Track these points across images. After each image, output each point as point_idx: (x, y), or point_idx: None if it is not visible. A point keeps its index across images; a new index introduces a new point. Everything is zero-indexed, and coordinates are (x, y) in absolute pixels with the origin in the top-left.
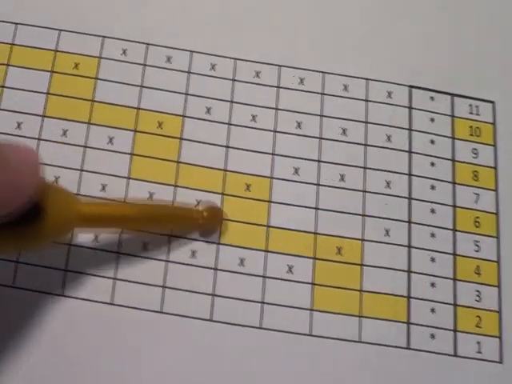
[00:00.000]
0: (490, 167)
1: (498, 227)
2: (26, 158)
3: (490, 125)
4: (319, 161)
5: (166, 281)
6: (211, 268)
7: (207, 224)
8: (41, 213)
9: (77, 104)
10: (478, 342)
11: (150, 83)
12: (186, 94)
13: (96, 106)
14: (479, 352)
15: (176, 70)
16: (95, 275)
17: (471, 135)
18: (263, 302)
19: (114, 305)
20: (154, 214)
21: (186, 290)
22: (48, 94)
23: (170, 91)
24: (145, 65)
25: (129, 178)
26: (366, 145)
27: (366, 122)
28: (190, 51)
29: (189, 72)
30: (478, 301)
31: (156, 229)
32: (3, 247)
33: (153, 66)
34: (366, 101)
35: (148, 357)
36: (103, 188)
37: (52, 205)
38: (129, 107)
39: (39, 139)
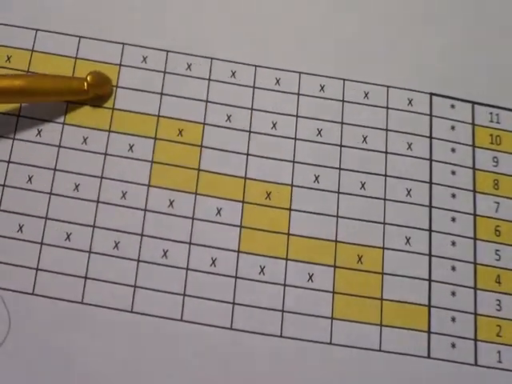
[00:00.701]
0: (511, 176)
1: None
2: None
3: (510, 133)
4: (340, 168)
5: (185, 289)
6: (232, 276)
7: (94, 89)
8: None
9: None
10: (499, 352)
11: (171, 90)
12: (207, 102)
13: (116, 114)
14: (500, 361)
15: (196, 78)
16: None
17: (492, 143)
18: (284, 311)
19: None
20: (33, 86)
21: (206, 299)
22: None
23: (191, 98)
24: (165, 72)
25: (149, 185)
26: (386, 152)
27: (387, 130)
28: (211, 58)
29: (209, 79)
30: (498, 310)
31: (38, 100)
32: None
33: (174, 74)
34: (387, 108)
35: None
36: (123, 195)
37: None
38: (149, 115)
39: (59, 146)
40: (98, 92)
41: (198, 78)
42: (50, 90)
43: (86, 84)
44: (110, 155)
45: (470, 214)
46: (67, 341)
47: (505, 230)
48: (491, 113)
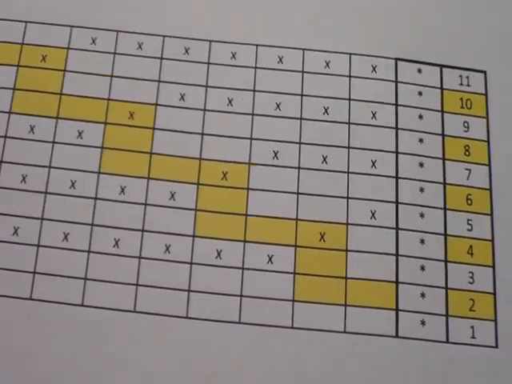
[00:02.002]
0: (483, 141)
1: (491, 204)
2: None
3: (481, 96)
4: (300, 143)
5: (138, 278)
6: (187, 262)
7: None
8: None
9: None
10: (472, 327)
11: (121, 72)
12: (159, 81)
13: (64, 100)
14: (473, 337)
15: (148, 57)
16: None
17: (462, 108)
18: (242, 296)
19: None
20: None
21: (160, 287)
22: (15, 89)
23: (142, 79)
24: (115, 53)
25: (99, 172)
26: (349, 123)
27: (350, 99)
28: (163, 36)
29: (161, 58)
30: (471, 283)
31: None
32: None
33: (124, 54)
34: (349, 77)
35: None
36: (72, 185)
37: None
38: (98, 98)
39: (5, 137)
40: None
41: (150, 57)
42: None
43: None
44: (58, 143)
45: (440, 183)
46: (18, 338)
47: (477, 199)
48: (461, 76)
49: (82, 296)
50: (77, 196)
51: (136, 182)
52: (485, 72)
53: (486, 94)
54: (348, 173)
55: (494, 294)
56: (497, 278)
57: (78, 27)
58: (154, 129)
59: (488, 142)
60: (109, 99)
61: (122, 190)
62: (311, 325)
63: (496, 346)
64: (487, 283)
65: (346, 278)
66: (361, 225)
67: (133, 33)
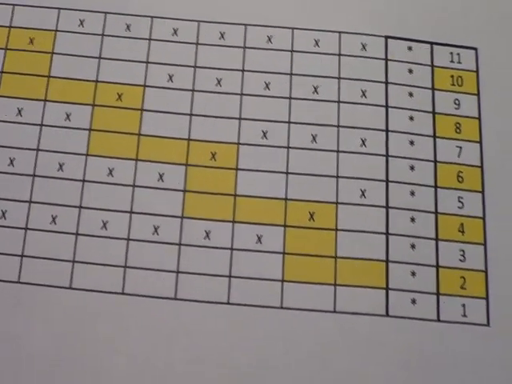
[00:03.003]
0: (474, 118)
1: (482, 181)
2: None
3: (472, 73)
4: (289, 122)
5: (127, 261)
6: (175, 244)
7: None
8: None
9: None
10: (463, 305)
11: (109, 54)
12: (147, 63)
13: (52, 82)
14: (464, 315)
15: (136, 38)
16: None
17: (453, 85)
18: (231, 276)
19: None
20: None
21: (149, 269)
22: (2, 72)
23: (130, 61)
24: (103, 35)
25: (87, 155)
26: (339, 102)
27: (340, 78)
28: (151, 17)
29: (150, 39)
30: (462, 261)
31: None
32: None
33: (112, 36)
34: (339, 55)
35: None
36: (61, 167)
37: None
38: (86, 80)
39: None
40: None
41: (138, 38)
42: None
43: None
44: (46, 126)
45: (430, 160)
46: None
47: (468, 176)
48: (452, 53)
49: (71, 279)
50: (64, 178)
51: (124, 164)
52: (476, 49)
53: (477, 71)
54: (337, 152)
55: (486, 271)
56: (488, 255)
57: (66, 9)
58: (142, 110)
59: (479, 119)
60: (97, 81)
61: (110, 172)
62: (300, 305)
63: (487, 324)
64: (478, 261)
65: (336, 257)
66: (350, 204)
67: (121, 14)
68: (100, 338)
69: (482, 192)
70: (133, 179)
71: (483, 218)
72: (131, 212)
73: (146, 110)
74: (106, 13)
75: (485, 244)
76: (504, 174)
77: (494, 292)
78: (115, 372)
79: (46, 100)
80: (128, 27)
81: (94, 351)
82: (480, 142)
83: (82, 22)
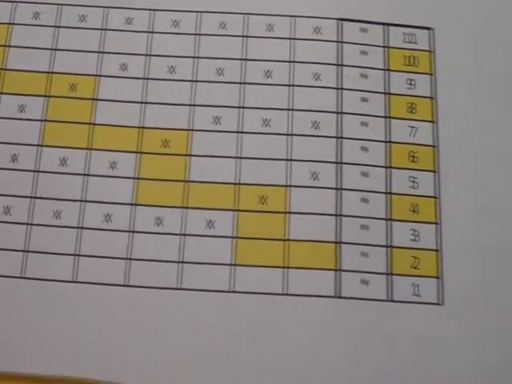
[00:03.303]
0: (428, 98)
1: (436, 160)
2: None
3: (427, 53)
4: (242, 107)
5: (80, 248)
6: (126, 231)
7: None
8: None
9: None
10: (416, 285)
11: (64, 45)
12: (101, 52)
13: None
14: (417, 295)
15: (90, 29)
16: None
17: (407, 65)
18: (182, 262)
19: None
20: None
21: (100, 257)
22: None
23: (84, 51)
24: (59, 26)
25: (41, 145)
26: (291, 85)
27: (293, 62)
28: (104, 7)
29: (103, 29)
30: (414, 240)
31: None
32: None
33: (67, 27)
34: (292, 39)
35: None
36: (13, 159)
37: None
38: (40, 72)
39: None
40: None
41: (92, 29)
42: None
43: None
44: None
45: (384, 141)
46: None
47: (422, 156)
48: (406, 33)
49: (25, 268)
50: (17, 169)
51: (76, 153)
52: (431, 29)
53: (432, 51)
54: (289, 135)
55: (439, 251)
56: (441, 234)
57: (21, 2)
58: (95, 99)
59: (434, 98)
60: (51, 72)
61: (64, 162)
62: (252, 288)
63: (440, 303)
64: (431, 240)
65: (287, 240)
66: (301, 186)
67: (75, 5)
68: (48, 322)
69: (436, 171)
70: (84, 168)
71: (437, 198)
72: (83, 201)
73: (98, 100)
74: (60, 5)
75: (438, 223)
76: (457, 154)
77: (447, 271)
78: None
79: (1, 93)
80: (83, 18)
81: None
82: (434, 122)
83: (37, 15)
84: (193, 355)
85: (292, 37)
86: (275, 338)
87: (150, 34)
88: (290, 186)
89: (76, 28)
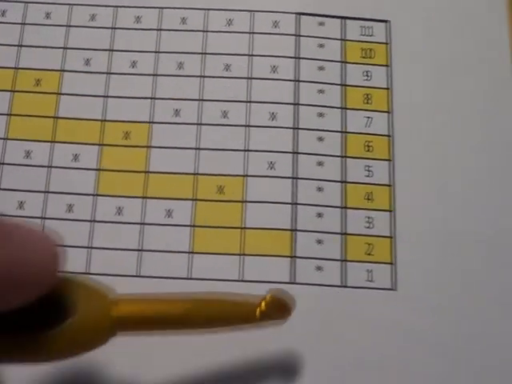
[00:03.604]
0: (384, 88)
1: (391, 150)
2: (38, 240)
3: (384, 45)
4: (202, 100)
5: None
6: (88, 220)
7: (267, 318)
8: (66, 314)
9: None
10: (369, 270)
11: (29, 41)
12: (65, 48)
13: None
14: (370, 280)
15: (55, 26)
16: None
17: (363, 57)
18: (141, 250)
19: None
20: (205, 311)
21: (63, 246)
22: None
23: (49, 47)
24: (24, 24)
25: (6, 139)
26: (249, 78)
27: (251, 55)
28: (69, 4)
29: (68, 26)
30: (369, 227)
31: (207, 329)
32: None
33: (32, 24)
34: (251, 33)
35: None
36: None
37: (82, 306)
38: (6, 68)
39: None
40: (272, 320)
41: (57, 25)
42: (215, 317)
43: (258, 311)
44: None
45: (339, 131)
46: None
47: (377, 145)
48: (363, 26)
49: None
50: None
51: (40, 146)
52: (388, 21)
53: (389, 43)
54: (247, 126)
55: (393, 237)
56: (396, 221)
57: None
58: (59, 94)
59: (390, 89)
60: (16, 68)
61: (27, 155)
62: (208, 275)
63: (394, 289)
64: (385, 227)
65: (243, 228)
66: (258, 176)
67: (41, 3)
68: None
69: (391, 160)
70: (48, 160)
71: (391, 186)
72: (47, 192)
73: (62, 94)
74: (26, 2)
75: (392, 211)
76: (412, 143)
77: (401, 257)
78: None
79: None
80: (48, 15)
81: None
82: (390, 112)
83: (3, 13)
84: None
85: (251, 31)
86: None
87: (113, 30)
88: (248, 175)
89: (41, 25)
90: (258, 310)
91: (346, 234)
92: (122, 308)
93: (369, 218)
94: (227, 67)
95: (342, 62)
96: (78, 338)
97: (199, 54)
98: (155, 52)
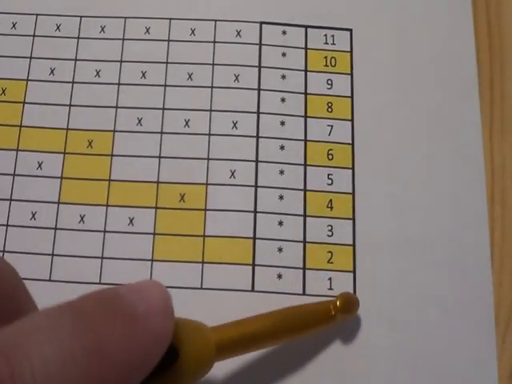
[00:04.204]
0: (346, 97)
1: (352, 158)
2: (153, 299)
3: (346, 53)
4: (163, 108)
5: (5, 245)
6: (52, 228)
7: (342, 314)
8: (176, 355)
9: None
10: (330, 279)
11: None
12: (31, 58)
13: None
14: (330, 288)
15: (21, 36)
16: None
17: (326, 66)
18: (103, 258)
19: None
20: (291, 319)
21: (25, 253)
22: None
23: (14, 57)
24: None
25: None
26: (212, 87)
27: (213, 64)
28: (36, 14)
29: (34, 36)
30: (330, 236)
31: (294, 336)
32: None
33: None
34: (214, 42)
35: None
36: None
37: (187, 344)
38: None
39: None
40: (344, 317)
41: (22, 35)
42: (300, 324)
43: (334, 310)
44: None
45: (301, 140)
46: None
47: (338, 153)
48: (326, 35)
49: None
50: None
51: (4, 154)
52: (350, 30)
53: (351, 52)
54: (209, 135)
55: (354, 245)
56: (356, 230)
57: None
58: (24, 103)
59: (351, 97)
60: None
61: None
62: (168, 282)
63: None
64: (346, 236)
65: (204, 236)
66: (220, 184)
67: (6, 13)
68: None
69: (352, 168)
70: (12, 168)
71: (352, 194)
72: (11, 199)
73: (27, 103)
74: None
75: (353, 219)
76: (374, 151)
77: (361, 265)
78: None
79: None
80: (13, 25)
81: None
82: (351, 120)
83: None
84: None
85: (214, 40)
86: None
87: (78, 40)
88: (209, 184)
89: (6, 35)
90: (333, 309)
91: (306, 242)
92: (221, 334)
93: (330, 226)
94: (190, 76)
95: (304, 70)
96: (189, 373)
97: (162, 63)
98: (119, 61)
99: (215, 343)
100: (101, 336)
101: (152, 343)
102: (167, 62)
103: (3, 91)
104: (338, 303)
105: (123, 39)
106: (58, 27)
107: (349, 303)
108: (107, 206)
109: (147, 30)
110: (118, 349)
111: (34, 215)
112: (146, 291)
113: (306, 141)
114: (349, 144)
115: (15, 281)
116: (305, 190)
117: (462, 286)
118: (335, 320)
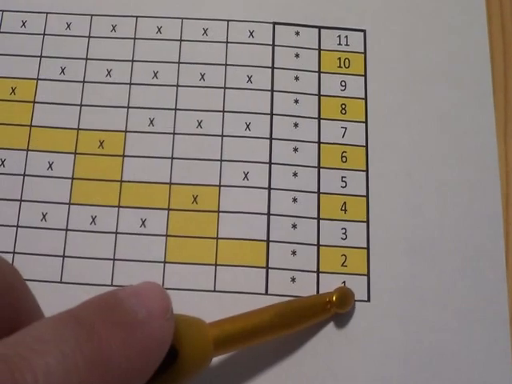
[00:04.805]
0: (360, 98)
1: (366, 160)
2: (153, 303)
3: (360, 54)
4: (176, 109)
5: (15, 246)
6: (63, 229)
7: (337, 308)
8: (175, 354)
9: None
10: (344, 282)
11: (4, 50)
12: (41, 57)
13: None
14: None
15: (31, 34)
16: None
17: (340, 67)
18: (115, 259)
19: None
20: (287, 313)
21: (36, 254)
22: None
23: (24, 55)
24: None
25: None
26: (225, 88)
27: (226, 65)
28: (46, 13)
29: (44, 34)
30: (343, 239)
31: (291, 329)
32: None
33: (8, 33)
34: (226, 43)
35: None
36: None
37: (186, 341)
38: None
39: None
40: (341, 310)
41: (32, 34)
42: (297, 317)
43: (330, 304)
44: None
45: (315, 142)
46: None
47: (352, 156)
48: (339, 36)
49: None
50: None
51: (15, 154)
52: (364, 31)
53: (364, 53)
54: (222, 136)
55: (367, 249)
56: (370, 233)
57: None
58: (34, 102)
59: (365, 99)
60: None
61: (1, 163)
62: (181, 285)
63: (368, 300)
64: (360, 239)
65: (217, 238)
66: (233, 186)
67: (16, 11)
68: None
69: (366, 170)
70: (23, 168)
71: (366, 197)
72: (21, 200)
73: (37, 102)
74: (2, 11)
75: (367, 222)
76: (388, 154)
77: (375, 268)
78: None
79: None
80: (23, 23)
81: None
82: (365, 122)
83: None
84: None
85: (227, 41)
86: None
87: (89, 39)
88: (222, 185)
89: (16, 33)
90: (330, 303)
91: (320, 245)
92: (219, 330)
93: (344, 229)
94: (203, 76)
95: (318, 71)
96: (188, 370)
97: (175, 63)
98: (131, 61)
99: (213, 339)
100: (102, 345)
101: (153, 348)
102: (179, 62)
103: (13, 90)
104: (334, 297)
105: (134, 38)
106: (68, 26)
107: (345, 297)
108: (119, 207)
109: (159, 30)
110: (119, 356)
111: (44, 216)
112: (145, 294)
113: (319, 143)
114: (363, 146)
115: (16, 282)
116: (318, 193)
117: (477, 289)
118: (330, 313)
